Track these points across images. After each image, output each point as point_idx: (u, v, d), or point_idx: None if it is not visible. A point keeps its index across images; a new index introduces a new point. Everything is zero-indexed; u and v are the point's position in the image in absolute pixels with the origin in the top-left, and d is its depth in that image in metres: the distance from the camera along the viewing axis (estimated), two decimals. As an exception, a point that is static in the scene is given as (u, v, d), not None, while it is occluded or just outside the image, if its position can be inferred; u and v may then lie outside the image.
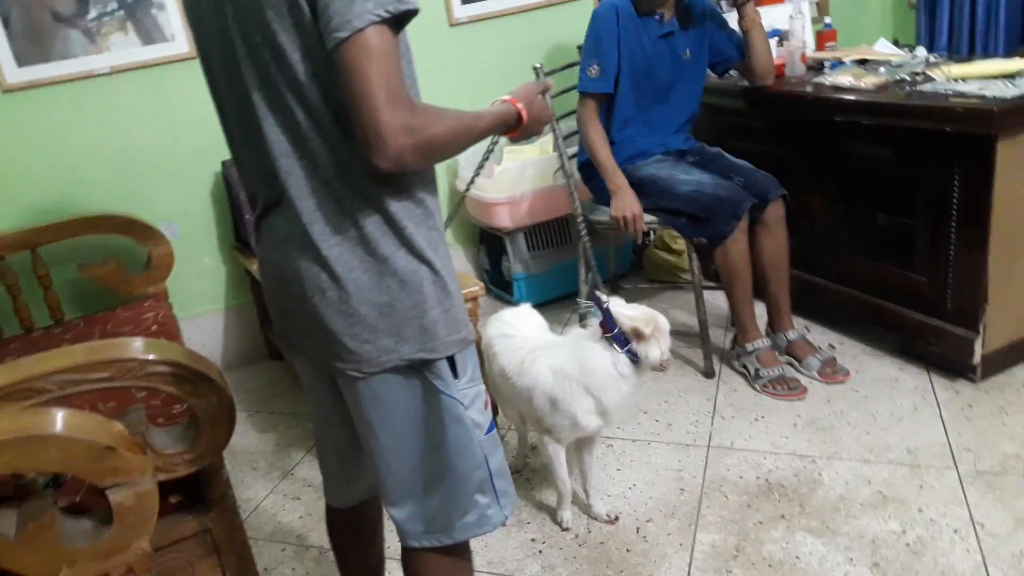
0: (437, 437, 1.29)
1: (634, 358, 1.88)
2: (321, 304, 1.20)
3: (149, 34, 2.79)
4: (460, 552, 1.39)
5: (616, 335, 1.88)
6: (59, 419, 1.19)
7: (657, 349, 1.88)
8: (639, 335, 1.87)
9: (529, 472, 2.32)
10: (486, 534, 1.38)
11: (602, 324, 1.89)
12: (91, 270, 2.72)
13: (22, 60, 2.64)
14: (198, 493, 1.66)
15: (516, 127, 1.33)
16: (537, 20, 3.44)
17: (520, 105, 1.31)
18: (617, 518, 2.09)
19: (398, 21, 1.03)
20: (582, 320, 1.92)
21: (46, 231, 2.64)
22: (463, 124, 1.15)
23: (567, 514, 2.08)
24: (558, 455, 2.01)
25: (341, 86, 1.04)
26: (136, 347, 1.43)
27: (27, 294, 2.67)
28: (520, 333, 2.04)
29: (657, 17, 2.60)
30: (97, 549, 1.26)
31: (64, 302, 2.74)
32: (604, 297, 1.91)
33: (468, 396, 1.29)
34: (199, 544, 1.67)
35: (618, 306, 1.93)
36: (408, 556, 1.39)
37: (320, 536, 2.17)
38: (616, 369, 1.88)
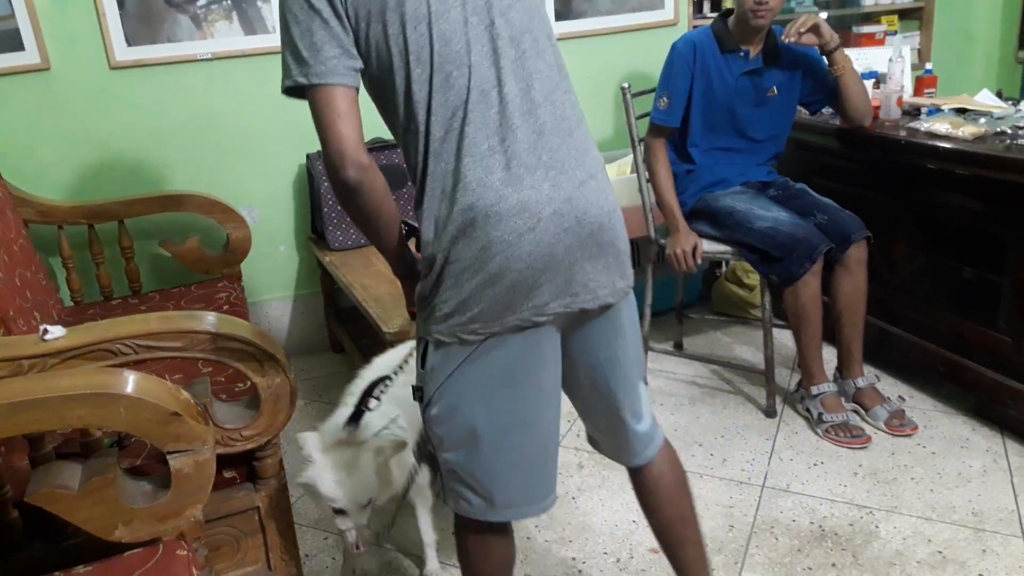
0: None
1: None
2: (617, 223, 1.35)
3: (252, 24, 2.89)
4: None
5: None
6: (131, 380, 1.23)
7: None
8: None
9: (575, 491, 2.30)
10: None
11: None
12: (172, 246, 2.82)
13: (132, 40, 2.75)
14: (252, 471, 1.70)
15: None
16: (626, 43, 3.43)
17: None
18: (662, 548, 2.05)
19: None
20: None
21: (134, 204, 2.74)
22: None
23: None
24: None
25: None
26: (209, 320, 1.48)
27: (109, 264, 2.78)
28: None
29: (742, 54, 2.58)
30: (153, 511, 1.29)
31: (143, 274, 2.84)
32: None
33: None
34: (247, 521, 1.71)
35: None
36: (667, 451, 1.59)
37: (363, 529, 2.19)
38: None
